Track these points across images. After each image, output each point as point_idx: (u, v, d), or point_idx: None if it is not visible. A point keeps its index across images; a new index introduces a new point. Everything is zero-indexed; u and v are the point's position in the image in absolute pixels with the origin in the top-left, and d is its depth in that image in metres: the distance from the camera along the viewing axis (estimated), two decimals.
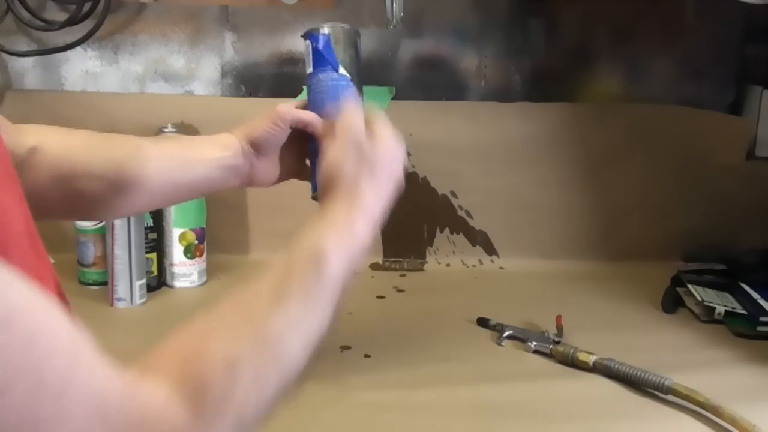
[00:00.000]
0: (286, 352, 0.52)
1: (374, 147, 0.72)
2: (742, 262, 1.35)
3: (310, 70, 0.89)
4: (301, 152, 0.89)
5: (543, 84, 1.50)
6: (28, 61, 1.44)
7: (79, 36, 1.39)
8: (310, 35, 0.89)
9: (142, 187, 0.81)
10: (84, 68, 1.46)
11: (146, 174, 0.81)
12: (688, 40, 1.50)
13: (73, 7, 1.37)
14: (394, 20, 1.23)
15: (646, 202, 1.46)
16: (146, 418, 0.42)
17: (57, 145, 0.78)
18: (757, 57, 1.51)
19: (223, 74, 1.48)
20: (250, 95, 1.48)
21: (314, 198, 0.86)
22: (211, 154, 0.85)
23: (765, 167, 1.46)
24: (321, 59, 0.88)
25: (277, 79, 1.48)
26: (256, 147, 0.86)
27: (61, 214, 0.92)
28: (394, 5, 1.22)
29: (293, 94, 1.42)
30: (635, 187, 1.46)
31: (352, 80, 0.88)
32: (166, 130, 1.34)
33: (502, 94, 1.49)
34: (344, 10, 1.44)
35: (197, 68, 1.48)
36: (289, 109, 0.86)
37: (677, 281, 1.31)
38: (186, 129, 1.38)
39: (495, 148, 1.44)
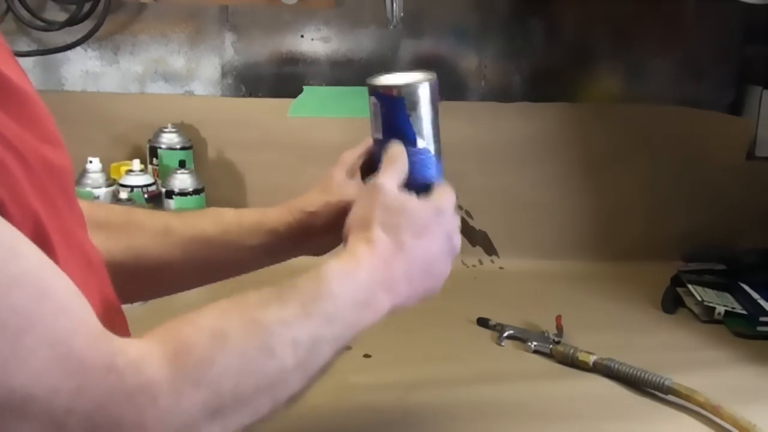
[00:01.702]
0: (274, 344, 0.50)
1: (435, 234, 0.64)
2: (742, 262, 1.35)
3: (378, 136, 0.70)
4: None
5: (543, 84, 1.50)
6: (28, 61, 1.44)
7: (79, 36, 1.39)
8: (378, 93, 0.69)
9: (164, 276, 0.74)
10: (84, 68, 1.46)
11: (172, 261, 0.72)
12: (688, 40, 1.50)
13: (73, 7, 1.37)
14: (394, 20, 1.23)
15: (646, 202, 1.46)
16: (116, 366, 0.42)
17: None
18: (757, 57, 1.51)
19: (223, 74, 1.48)
20: (250, 95, 1.48)
21: None
22: (257, 240, 0.73)
23: (765, 167, 1.46)
24: (392, 128, 0.69)
25: (277, 79, 1.48)
26: (314, 219, 0.73)
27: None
28: (394, 5, 1.22)
29: (293, 94, 1.43)
30: (635, 187, 1.46)
31: (431, 148, 0.71)
32: (166, 130, 1.35)
33: (502, 94, 1.49)
34: (344, 10, 1.44)
35: (197, 68, 1.48)
36: (340, 186, 0.73)
37: (677, 281, 1.31)
38: (186, 129, 1.39)
39: (495, 148, 1.44)
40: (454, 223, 0.67)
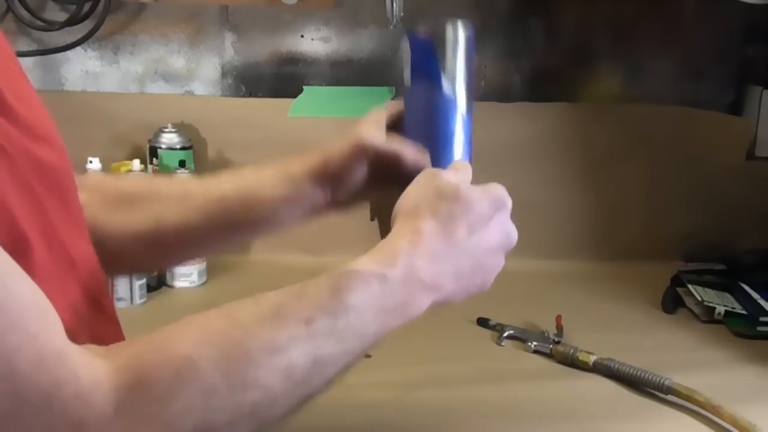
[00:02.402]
0: (257, 376, 0.44)
1: (486, 228, 0.62)
2: (742, 262, 1.35)
3: (408, 80, 0.70)
4: (390, 176, 0.69)
5: (543, 84, 1.50)
6: (28, 61, 1.44)
7: (79, 36, 1.39)
8: (410, 35, 0.69)
9: (184, 242, 0.71)
10: (84, 68, 1.46)
11: (191, 225, 0.70)
12: (688, 40, 1.50)
13: (73, 7, 1.37)
14: (394, 20, 1.23)
15: (646, 202, 1.46)
16: (60, 397, 0.38)
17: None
18: (757, 57, 1.51)
19: (223, 74, 1.48)
20: (250, 95, 1.48)
21: None
22: (277, 191, 0.70)
23: (765, 167, 1.46)
24: (420, 69, 0.69)
25: (277, 79, 1.48)
26: (335, 178, 0.70)
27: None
28: (394, 5, 1.22)
29: (293, 94, 1.43)
30: (635, 187, 1.46)
31: (460, 97, 0.70)
32: (166, 130, 1.34)
33: (502, 94, 1.49)
34: (344, 10, 1.44)
35: (197, 68, 1.48)
36: (372, 141, 0.68)
37: (677, 281, 1.31)
38: (186, 129, 1.39)
39: (495, 148, 1.44)
40: (510, 218, 0.63)
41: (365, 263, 0.53)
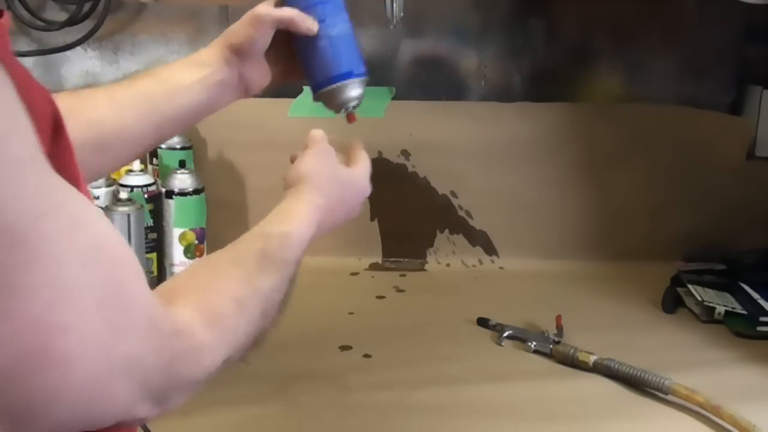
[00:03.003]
0: (268, 308, 0.62)
1: (355, 186, 0.80)
2: (742, 262, 1.35)
3: None
4: (290, 51, 0.83)
5: (543, 84, 1.50)
6: (28, 61, 1.44)
7: (79, 36, 1.39)
8: None
9: (125, 140, 0.76)
10: (84, 68, 1.46)
11: (126, 124, 0.75)
12: (688, 40, 1.49)
13: (73, 7, 1.37)
14: (394, 20, 1.23)
15: (646, 202, 1.46)
16: (180, 332, 0.50)
17: None
18: (757, 57, 1.51)
19: None
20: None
21: (315, 100, 0.84)
22: (192, 77, 0.79)
23: (765, 167, 1.46)
24: None
25: None
26: (240, 54, 0.80)
27: None
28: (394, 5, 1.22)
29: (293, 94, 1.43)
30: (635, 187, 1.46)
31: None
32: None
33: (502, 94, 1.49)
34: None
35: None
36: (269, 10, 0.79)
37: (677, 281, 1.31)
38: None
39: (495, 148, 1.44)
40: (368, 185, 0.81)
41: (297, 229, 0.70)
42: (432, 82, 1.49)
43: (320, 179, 0.76)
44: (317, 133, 0.83)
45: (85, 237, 0.41)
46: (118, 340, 0.42)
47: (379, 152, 1.43)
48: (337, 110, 0.84)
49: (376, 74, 1.46)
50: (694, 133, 1.45)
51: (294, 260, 0.67)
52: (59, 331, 0.39)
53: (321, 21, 0.80)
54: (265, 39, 0.80)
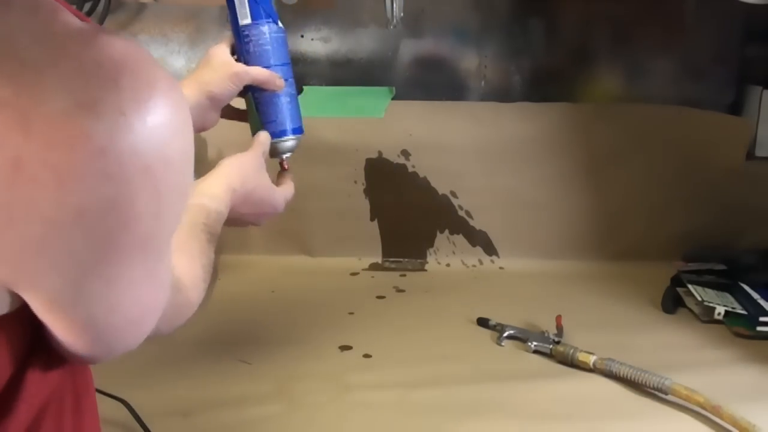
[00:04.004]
0: (211, 270, 0.74)
1: (270, 196, 0.88)
2: (742, 262, 1.35)
3: (247, 21, 0.89)
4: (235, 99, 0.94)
5: (543, 84, 1.50)
6: None
7: None
8: None
9: None
10: None
11: None
12: (688, 40, 1.49)
13: (73, 7, 1.37)
14: (394, 20, 1.23)
15: (646, 202, 1.46)
16: (180, 288, 0.63)
17: None
18: (757, 57, 1.51)
19: None
20: None
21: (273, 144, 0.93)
22: None
23: (765, 167, 1.46)
24: (260, 10, 0.89)
25: None
26: (213, 101, 0.89)
27: None
28: (394, 5, 1.22)
29: None
30: (635, 187, 1.46)
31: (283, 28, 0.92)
32: None
33: (502, 94, 1.49)
34: (344, 10, 1.44)
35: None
36: (247, 70, 0.89)
37: (677, 281, 1.31)
38: None
39: (495, 148, 1.44)
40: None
41: (219, 214, 0.80)
42: (432, 82, 1.49)
43: (247, 173, 0.85)
44: (264, 137, 0.91)
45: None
46: (163, 299, 0.53)
47: (379, 152, 1.43)
48: (277, 156, 0.95)
49: (376, 74, 1.46)
50: (694, 133, 1.45)
51: (218, 234, 0.78)
52: (165, 290, 0.53)
53: (285, 79, 0.91)
54: (236, 93, 0.91)
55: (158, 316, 0.52)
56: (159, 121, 0.43)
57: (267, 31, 0.89)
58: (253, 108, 0.93)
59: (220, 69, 0.88)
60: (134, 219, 0.44)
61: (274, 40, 0.90)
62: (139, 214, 0.44)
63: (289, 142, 0.94)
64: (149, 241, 0.46)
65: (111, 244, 0.44)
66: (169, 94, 0.45)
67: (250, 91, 0.91)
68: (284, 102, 0.92)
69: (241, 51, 0.91)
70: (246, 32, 0.89)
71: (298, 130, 0.94)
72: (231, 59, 0.89)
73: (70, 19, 0.45)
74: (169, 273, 0.54)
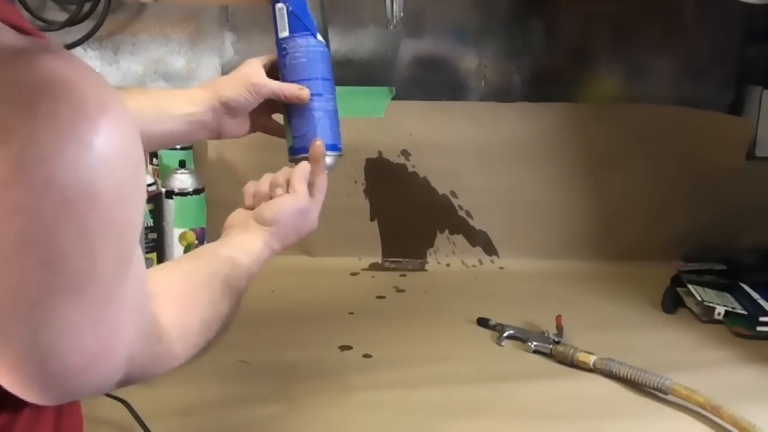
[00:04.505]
0: (223, 325, 0.69)
1: (308, 218, 0.83)
2: (742, 262, 1.35)
3: (285, 34, 0.88)
4: (271, 109, 0.91)
5: (543, 84, 1.50)
6: None
7: (79, 36, 1.39)
8: None
9: None
10: None
11: None
12: (688, 40, 1.50)
13: (73, 7, 1.37)
14: (394, 20, 1.23)
15: (646, 202, 1.46)
16: (161, 339, 0.57)
17: None
18: (757, 57, 1.51)
19: (223, 74, 1.47)
20: None
21: (291, 161, 0.89)
22: (181, 110, 0.85)
23: (765, 167, 1.46)
24: (298, 23, 0.87)
25: None
26: (228, 109, 0.87)
27: None
28: (394, 5, 1.22)
29: None
30: (635, 188, 1.46)
31: (326, 45, 0.89)
32: None
33: (502, 94, 1.49)
34: (344, 10, 1.44)
35: (197, 68, 1.48)
36: (266, 83, 0.86)
37: (677, 281, 1.31)
38: None
39: (495, 148, 1.44)
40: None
41: (250, 262, 0.76)
42: (432, 82, 1.49)
43: (287, 229, 0.80)
44: (302, 174, 0.83)
45: (141, 268, 0.51)
46: (135, 342, 0.50)
47: (379, 152, 1.43)
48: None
49: (376, 74, 1.46)
50: (694, 133, 1.45)
51: (245, 290, 0.74)
52: (119, 336, 0.48)
53: (318, 95, 0.87)
54: (255, 104, 0.87)
55: (119, 363, 0.49)
56: (83, 153, 0.39)
57: (304, 44, 0.87)
58: (287, 121, 0.90)
59: (241, 77, 0.87)
60: (58, 258, 0.40)
61: (311, 53, 0.87)
62: (63, 253, 0.40)
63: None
64: (84, 284, 0.42)
65: (32, 285, 0.40)
66: (103, 121, 0.40)
67: (284, 104, 0.89)
68: (317, 117, 0.87)
69: (279, 64, 0.89)
70: (284, 45, 0.88)
71: (332, 147, 0.88)
72: (258, 71, 0.87)
73: (1, 36, 0.41)
74: (135, 319, 0.50)
